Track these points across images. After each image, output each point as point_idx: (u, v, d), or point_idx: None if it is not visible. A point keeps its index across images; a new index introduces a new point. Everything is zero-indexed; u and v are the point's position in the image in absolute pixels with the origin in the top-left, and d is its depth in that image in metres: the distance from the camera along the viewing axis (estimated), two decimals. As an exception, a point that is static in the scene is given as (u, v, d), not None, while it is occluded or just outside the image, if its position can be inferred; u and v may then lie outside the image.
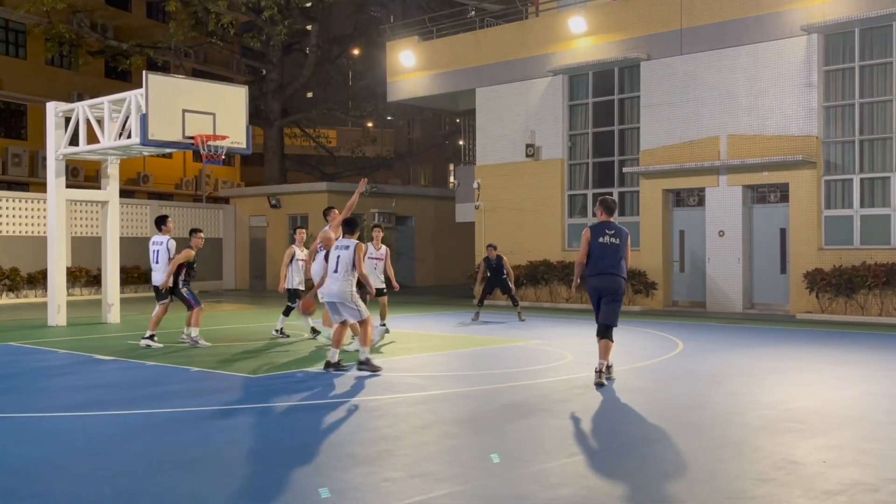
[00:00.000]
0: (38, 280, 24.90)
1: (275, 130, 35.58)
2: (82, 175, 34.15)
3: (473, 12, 27.74)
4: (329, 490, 5.46)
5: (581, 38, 22.50)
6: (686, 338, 14.21)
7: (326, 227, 12.20)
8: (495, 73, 24.23)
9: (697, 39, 20.42)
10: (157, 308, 13.28)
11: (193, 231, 13.41)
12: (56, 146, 16.78)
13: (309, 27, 35.13)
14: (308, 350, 12.68)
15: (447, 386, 9.58)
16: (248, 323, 17.43)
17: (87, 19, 34.23)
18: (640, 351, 12.67)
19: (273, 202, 30.91)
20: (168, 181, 40.36)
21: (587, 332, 15.56)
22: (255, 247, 32.12)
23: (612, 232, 9.73)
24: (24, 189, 32.62)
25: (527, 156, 23.47)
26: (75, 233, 26.66)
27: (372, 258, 13.56)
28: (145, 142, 14.46)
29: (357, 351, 10.85)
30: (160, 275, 13.07)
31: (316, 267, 12.11)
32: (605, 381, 9.48)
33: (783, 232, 19.50)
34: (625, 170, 21.80)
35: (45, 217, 24.25)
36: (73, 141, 16.63)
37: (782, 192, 19.49)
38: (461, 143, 34.70)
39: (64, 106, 17.12)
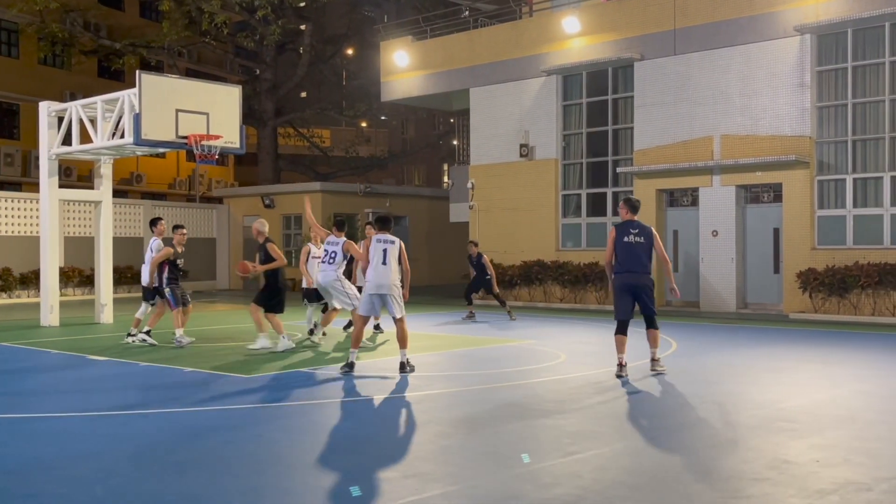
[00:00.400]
0: (30, 280, 24.82)
1: (268, 130, 35.54)
2: (75, 175, 34.05)
3: (467, 12, 27.71)
4: (329, 490, 5.45)
5: (575, 39, 22.52)
6: (680, 338, 14.23)
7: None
8: (489, 73, 24.24)
9: (691, 40, 20.45)
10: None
11: (175, 227, 13.52)
12: (49, 146, 16.72)
13: (303, 27, 35.10)
14: (302, 350, 12.65)
15: (441, 386, 9.57)
16: (241, 323, 17.39)
17: (80, 18, 34.13)
18: (634, 351, 12.65)
19: (267, 202, 30.86)
20: (161, 181, 40.27)
21: (581, 333, 15.61)
22: (248, 247, 32.02)
23: (637, 231, 10.07)
24: (16, 189, 32.50)
25: (521, 156, 23.48)
26: (68, 233, 26.60)
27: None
28: (138, 141, 14.43)
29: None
30: (146, 275, 13.40)
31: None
32: (660, 369, 10.17)
33: (776, 232, 19.54)
34: (618, 170, 21.83)
35: (37, 217, 24.17)
36: (66, 141, 16.58)
37: (775, 192, 19.53)
38: (455, 142, 34.69)
39: (57, 105, 17.06)
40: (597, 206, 22.62)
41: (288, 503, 5.32)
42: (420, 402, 8.71)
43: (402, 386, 9.55)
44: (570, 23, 22.38)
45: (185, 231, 13.52)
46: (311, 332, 13.91)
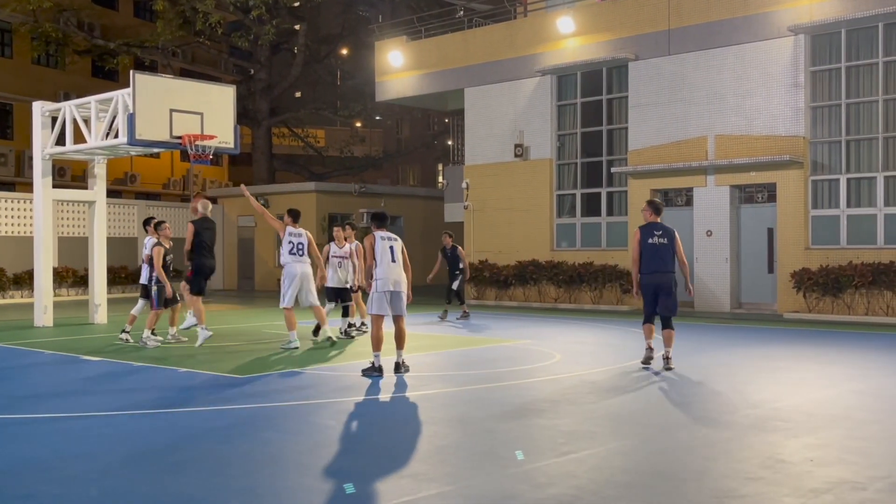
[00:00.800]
0: (24, 281, 24.77)
1: (263, 130, 35.49)
2: (69, 175, 33.96)
3: (462, 12, 27.74)
4: (325, 490, 5.45)
5: (569, 39, 22.54)
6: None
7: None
8: (484, 73, 24.25)
9: (685, 40, 20.49)
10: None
11: (158, 224, 13.47)
12: (42, 146, 16.67)
13: (297, 27, 35.06)
14: (299, 350, 12.64)
15: (436, 386, 9.57)
16: (236, 323, 17.38)
17: (74, 18, 34.05)
18: (629, 351, 12.70)
19: (261, 202, 30.81)
20: (155, 181, 40.20)
21: (576, 333, 15.62)
22: (243, 247, 32.03)
23: (661, 232, 10.57)
24: (10, 189, 32.42)
25: (515, 156, 23.49)
26: (62, 233, 26.53)
27: (335, 256, 14.24)
28: (132, 141, 14.40)
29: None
30: (146, 273, 13.47)
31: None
32: (672, 366, 10.42)
33: (770, 232, 19.59)
34: (613, 170, 21.85)
35: (31, 217, 24.07)
36: (60, 140, 16.54)
37: (769, 192, 19.57)
38: (450, 142, 34.69)
39: (50, 105, 17.02)
40: (591, 206, 22.64)
41: None
42: (415, 402, 8.71)
43: (397, 386, 9.55)
44: (565, 23, 22.40)
45: (167, 225, 13.49)
46: (346, 333, 13.96)
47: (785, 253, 18.97)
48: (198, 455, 6.48)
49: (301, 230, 12.82)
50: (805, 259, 18.61)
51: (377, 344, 10.15)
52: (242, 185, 14.86)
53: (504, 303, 23.24)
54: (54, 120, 16.70)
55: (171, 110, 14.49)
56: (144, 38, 34.22)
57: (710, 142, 20.07)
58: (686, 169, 20.25)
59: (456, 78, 24.96)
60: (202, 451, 6.63)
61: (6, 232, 25.60)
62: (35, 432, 7.37)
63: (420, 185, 48.52)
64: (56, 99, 31.91)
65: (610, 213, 22.24)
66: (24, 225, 25.65)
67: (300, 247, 12.65)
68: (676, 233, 10.75)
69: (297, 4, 34.67)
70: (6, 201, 25.91)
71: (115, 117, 15.11)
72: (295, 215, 12.90)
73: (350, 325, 14.29)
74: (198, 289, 12.95)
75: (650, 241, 10.53)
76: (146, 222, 13.94)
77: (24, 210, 25.65)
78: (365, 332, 14.36)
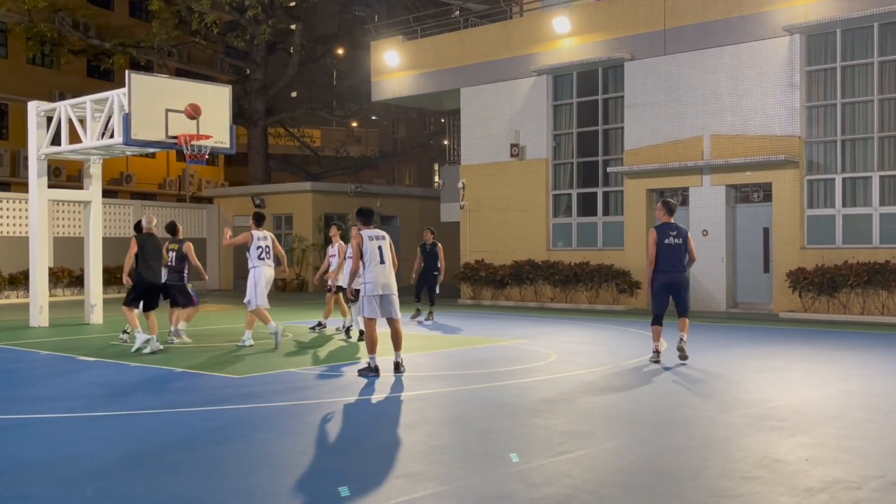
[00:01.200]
0: (19, 281, 24.71)
1: (259, 130, 35.46)
2: (64, 175, 33.92)
3: (458, 12, 27.73)
4: (321, 490, 5.44)
5: (565, 39, 22.55)
6: (670, 337, 14.23)
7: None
8: (480, 72, 24.25)
9: (681, 40, 20.51)
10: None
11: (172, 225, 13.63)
12: (38, 146, 16.64)
13: (293, 26, 35.03)
14: (296, 350, 12.64)
15: (432, 386, 9.57)
16: (232, 323, 17.36)
17: (69, 18, 33.99)
18: (625, 350, 12.72)
19: (257, 202, 30.77)
20: (151, 181, 40.15)
21: (572, 332, 15.63)
22: (238, 248, 31.88)
23: (675, 233, 10.91)
24: (5, 189, 32.38)
25: (511, 156, 23.50)
26: (57, 233, 26.49)
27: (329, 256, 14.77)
28: (128, 141, 14.38)
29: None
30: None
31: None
32: (687, 356, 10.85)
33: (766, 231, 19.61)
34: (609, 169, 21.86)
35: (26, 217, 24.06)
36: (56, 140, 16.50)
37: (765, 192, 19.60)
38: (446, 142, 34.66)
39: (46, 105, 16.99)
40: (587, 205, 22.65)
41: (279, 504, 5.32)
42: (411, 402, 8.71)
43: (393, 386, 9.54)
44: (561, 23, 22.41)
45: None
46: (361, 333, 14.00)
47: (781, 252, 19.00)
48: (194, 455, 6.47)
49: (266, 233, 13.12)
50: (801, 258, 18.64)
51: (372, 346, 10.09)
52: (226, 229, 14.45)
53: (500, 302, 23.25)
54: (49, 120, 16.67)
55: (167, 110, 14.48)
56: (140, 37, 34.16)
57: (705, 141, 20.09)
58: (682, 169, 20.27)
59: (452, 78, 24.96)
60: (198, 451, 6.62)
61: (1, 232, 25.54)
62: (30, 433, 7.36)
63: (416, 185, 48.51)
64: (51, 99, 31.84)
65: (606, 212, 22.26)
66: (20, 225, 25.60)
67: (267, 250, 12.94)
68: (688, 233, 11.16)
69: (292, 4, 34.63)
70: (1, 201, 25.86)
71: (110, 117, 15.09)
72: (258, 219, 13.19)
73: (349, 328, 14.45)
74: (135, 303, 12.69)
75: (666, 241, 10.84)
76: (137, 227, 13.63)
77: (20, 210, 25.60)
78: (323, 330, 15.00)
